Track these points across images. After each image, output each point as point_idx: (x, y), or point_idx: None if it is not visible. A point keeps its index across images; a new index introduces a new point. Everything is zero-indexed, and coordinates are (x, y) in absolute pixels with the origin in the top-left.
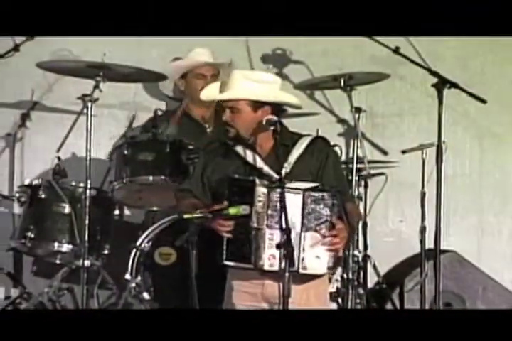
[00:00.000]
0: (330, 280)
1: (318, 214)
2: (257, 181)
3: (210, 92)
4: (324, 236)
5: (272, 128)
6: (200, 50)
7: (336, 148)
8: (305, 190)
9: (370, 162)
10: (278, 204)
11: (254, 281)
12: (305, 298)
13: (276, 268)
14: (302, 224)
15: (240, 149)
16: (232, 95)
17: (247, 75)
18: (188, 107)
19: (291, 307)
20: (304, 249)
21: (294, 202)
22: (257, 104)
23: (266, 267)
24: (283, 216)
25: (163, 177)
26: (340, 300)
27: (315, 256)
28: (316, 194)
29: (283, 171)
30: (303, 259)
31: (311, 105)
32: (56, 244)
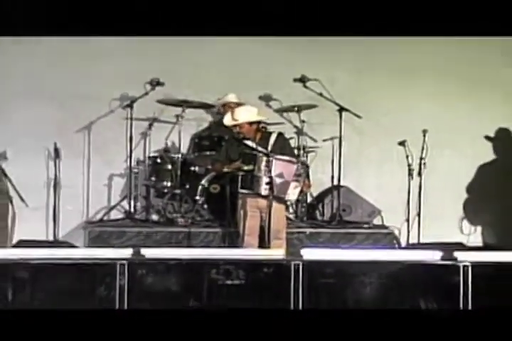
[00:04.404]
0: (287, 207)
1: (300, 173)
2: (259, 154)
3: (227, 119)
4: (301, 185)
5: (263, 130)
6: (230, 95)
7: (292, 140)
8: (297, 162)
9: (310, 147)
10: (271, 165)
11: (253, 199)
12: (273, 212)
13: (267, 193)
14: (292, 178)
15: (245, 141)
16: (239, 121)
17: (244, 109)
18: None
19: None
20: (289, 189)
21: (292, 168)
22: (250, 122)
23: (262, 193)
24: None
25: (214, 152)
26: (295, 207)
27: (293, 193)
28: (301, 165)
29: (269, 149)
30: (288, 193)
31: (280, 119)
32: (164, 183)
